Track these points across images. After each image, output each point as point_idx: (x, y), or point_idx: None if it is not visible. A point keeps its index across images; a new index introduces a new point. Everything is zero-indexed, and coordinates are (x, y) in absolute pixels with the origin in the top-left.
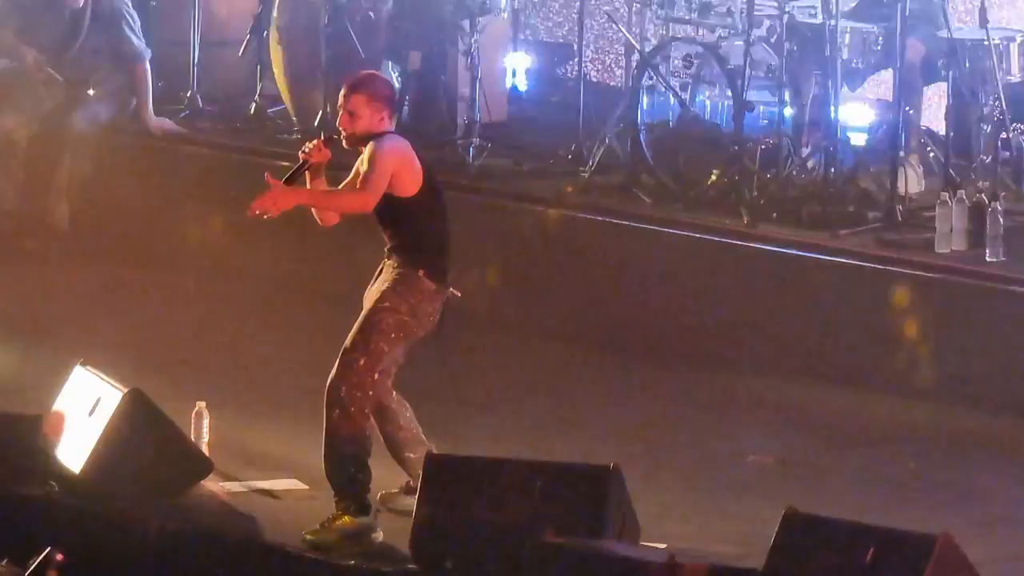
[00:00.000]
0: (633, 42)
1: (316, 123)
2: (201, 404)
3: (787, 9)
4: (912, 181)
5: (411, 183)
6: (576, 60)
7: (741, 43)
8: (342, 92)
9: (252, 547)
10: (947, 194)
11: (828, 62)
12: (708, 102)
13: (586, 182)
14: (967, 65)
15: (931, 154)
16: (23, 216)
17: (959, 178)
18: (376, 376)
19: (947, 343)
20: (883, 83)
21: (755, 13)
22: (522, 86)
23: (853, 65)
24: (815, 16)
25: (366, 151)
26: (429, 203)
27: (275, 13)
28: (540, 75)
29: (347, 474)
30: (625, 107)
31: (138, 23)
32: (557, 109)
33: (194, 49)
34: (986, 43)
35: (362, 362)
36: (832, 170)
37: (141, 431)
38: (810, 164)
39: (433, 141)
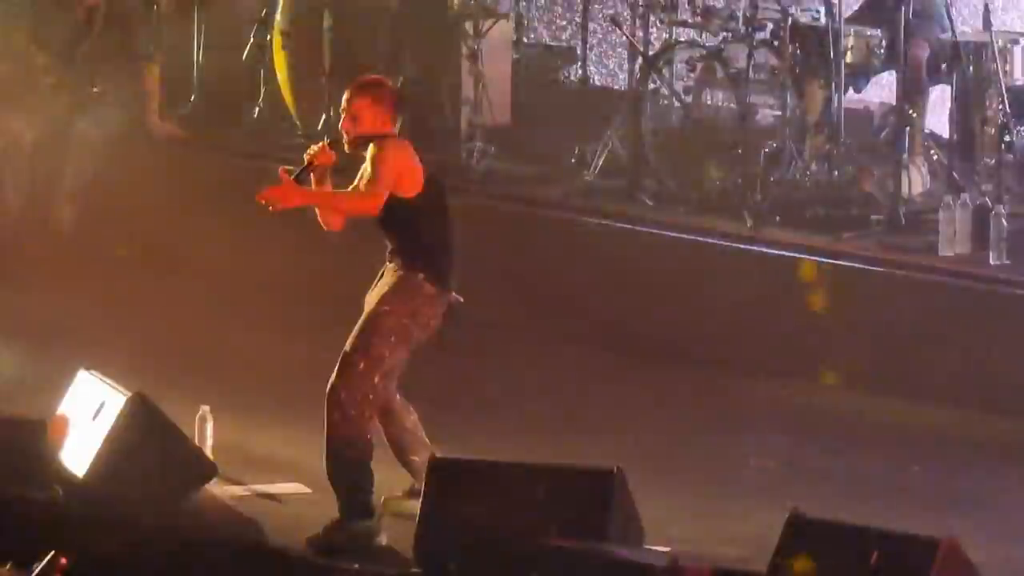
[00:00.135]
0: (636, 46)
1: (319, 127)
2: (205, 408)
3: (790, 12)
4: (916, 184)
5: (412, 185)
6: (579, 64)
7: (744, 46)
8: (346, 96)
9: (255, 551)
10: (951, 197)
11: (831, 65)
12: (711, 105)
13: (589, 186)
14: (971, 68)
15: (935, 157)
16: (27, 220)
17: (963, 181)
18: (376, 379)
19: (951, 346)
20: (887, 86)
21: (758, 16)
22: None
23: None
24: (818, 19)
25: (368, 153)
26: (430, 206)
27: (278, 17)
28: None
29: (349, 477)
30: (628, 111)
31: (152, 25)
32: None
33: (197, 52)
34: (990, 45)
35: (362, 365)
36: (836, 173)
37: (145, 435)
38: (813, 167)
39: (436, 145)
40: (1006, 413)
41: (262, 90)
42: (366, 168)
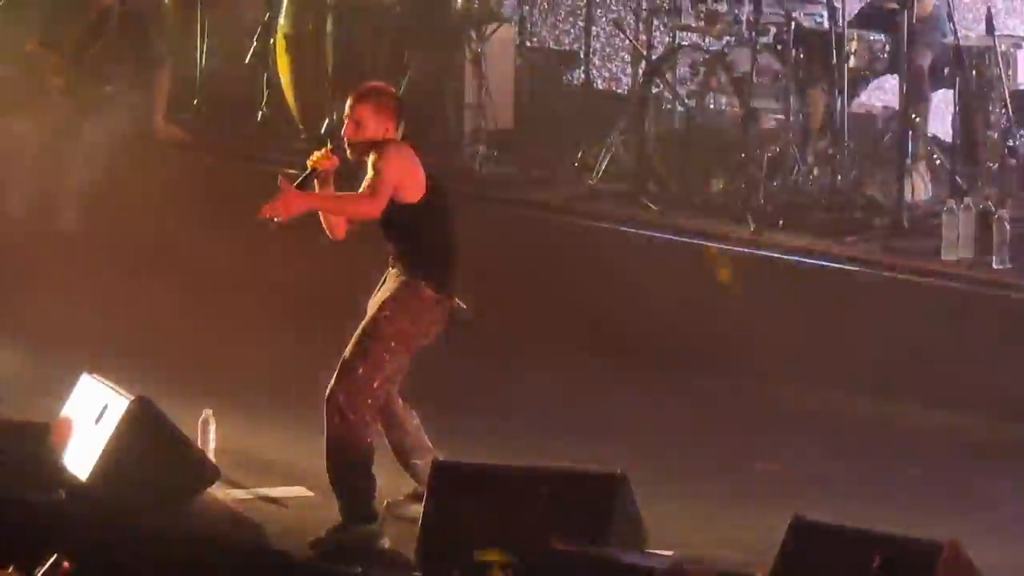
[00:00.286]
0: (640, 50)
1: (322, 131)
2: (208, 411)
3: (794, 16)
4: (919, 188)
5: (414, 190)
6: (582, 68)
7: (748, 51)
8: (349, 102)
9: (258, 555)
10: (953, 201)
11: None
12: (714, 110)
13: (592, 190)
14: (974, 72)
15: (937, 161)
16: (31, 222)
17: (966, 185)
18: (376, 384)
19: (953, 350)
20: (890, 90)
21: (761, 21)
22: None
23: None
24: (822, 23)
25: (371, 158)
26: (433, 211)
27: (281, 21)
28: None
29: (350, 481)
30: (631, 115)
31: (163, 29)
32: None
33: (201, 56)
34: (993, 50)
35: (361, 370)
36: (839, 177)
37: (147, 439)
38: (816, 171)
39: (439, 149)
40: (1009, 417)
41: (265, 94)
42: (368, 173)
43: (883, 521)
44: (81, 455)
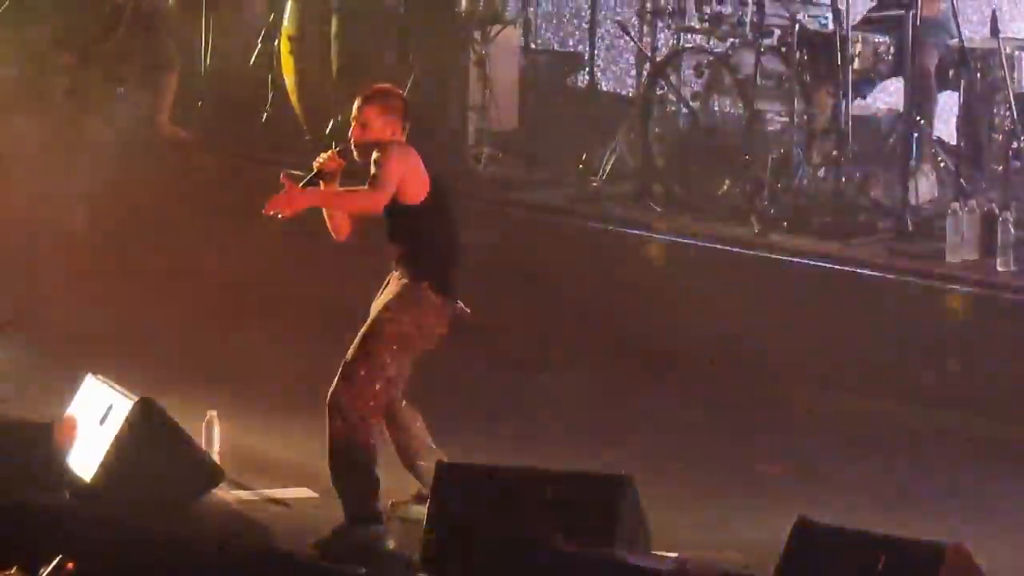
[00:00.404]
0: (644, 51)
1: (327, 132)
2: (212, 413)
3: (798, 18)
4: (923, 190)
5: (418, 190)
6: (587, 70)
7: (752, 52)
8: (356, 103)
9: (263, 555)
10: (958, 204)
11: (839, 71)
12: (719, 112)
13: (596, 191)
14: (978, 75)
15: (942, 164)
16: (35, 223)
17: (970, 188)
18: (378, 386)
19: (958, 352)
20: (894, 92)
21: (766, 23)
22: None
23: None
24: (826, 25)
25: (375, 155)
26: (436, 213)
27: (286, 22)
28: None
29: (353, 483)
30: (635, 117)
31: (173, 31)
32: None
33: (205, 58)
34: (998, 52)
35: (363, 372)
36: (843, 179)
37: (152, 440)
38: (820, 173)
39: (444, 150)
40: (1015, 418)
41: (270, 96)
42: (372, 170)
43: (887, 523)
44: (85, 456)
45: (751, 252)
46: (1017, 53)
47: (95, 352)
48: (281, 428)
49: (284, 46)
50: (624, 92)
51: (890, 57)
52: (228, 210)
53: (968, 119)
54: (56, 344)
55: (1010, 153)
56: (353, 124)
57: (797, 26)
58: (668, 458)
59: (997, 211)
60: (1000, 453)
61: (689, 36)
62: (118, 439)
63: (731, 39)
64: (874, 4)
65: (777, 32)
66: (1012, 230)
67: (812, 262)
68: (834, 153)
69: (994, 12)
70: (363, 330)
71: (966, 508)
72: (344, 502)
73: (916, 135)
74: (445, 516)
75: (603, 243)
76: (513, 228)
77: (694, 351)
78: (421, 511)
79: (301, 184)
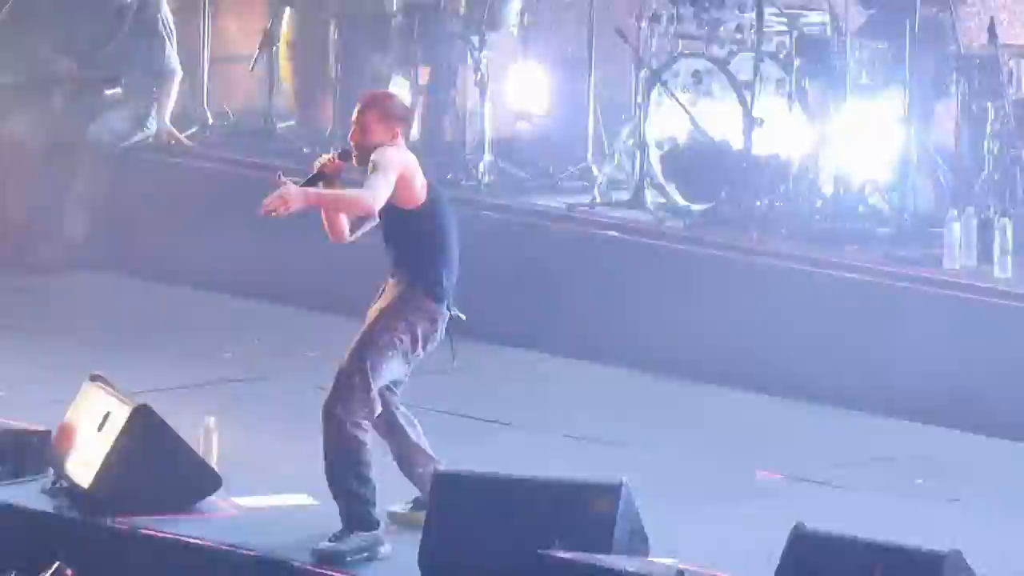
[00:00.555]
0: (642, 58)
1: (326, 137)
2: (210, 419)
3: (797, 25)
4: (921, 197)
5: (415, 195)
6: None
7: (751, 59)
8: (356, 108)
9: (261, 562)
10: (956, 210)
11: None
12: (717, 118)
13: (594, 198)
14: (977, 81)
15: (940, 170)
16: (35, 227)
17: (968, 194)
18: (372, 393)
19: (955, 359)
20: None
21: (764, 29)
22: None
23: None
24: (825, 32)
25: (372, 157)
26: (432, 220)
27: (284, 28)
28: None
29: (349, 489)
30: (634, 123)
31: (175, 38)
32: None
33: (204, 64)
34: (996, 59)
35: (357, 379)
36: (841, 186)
37: (150, 446)
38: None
39: (442, 156)
40: (1012, 426)
41: (269, 101)
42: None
43: (885, 531)
44: (83, 462)
45: (749, 258)
46: (1015, 59)
47: (93, 357)
48: (279, 435)
49: (283, 52)
50: (622, 98)
51: (889, 63)
52: (226, 214)
53: (966, 125)
54: (54, 348)
55: (1008, 159)
56: (353, 128)
57: (796, 32)
58: (666, 464)
59: (995, 217)
60: (998, 460)
61: (687, 42)
62: (116, 445)
63: (729, 45)
64: (872, 12)
65: (775, 38)
66: (1009, 236)
67: (810, 268)
68: (832, 159)
69: (992, 19)
70: (358, 338)
71: (964, 515)
72: (341, 509)
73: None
74: (443, 523)
75: (600, 249)
76: (510, 234)
77: (692, 356)
78: (419, 518)
79: (300, 185)
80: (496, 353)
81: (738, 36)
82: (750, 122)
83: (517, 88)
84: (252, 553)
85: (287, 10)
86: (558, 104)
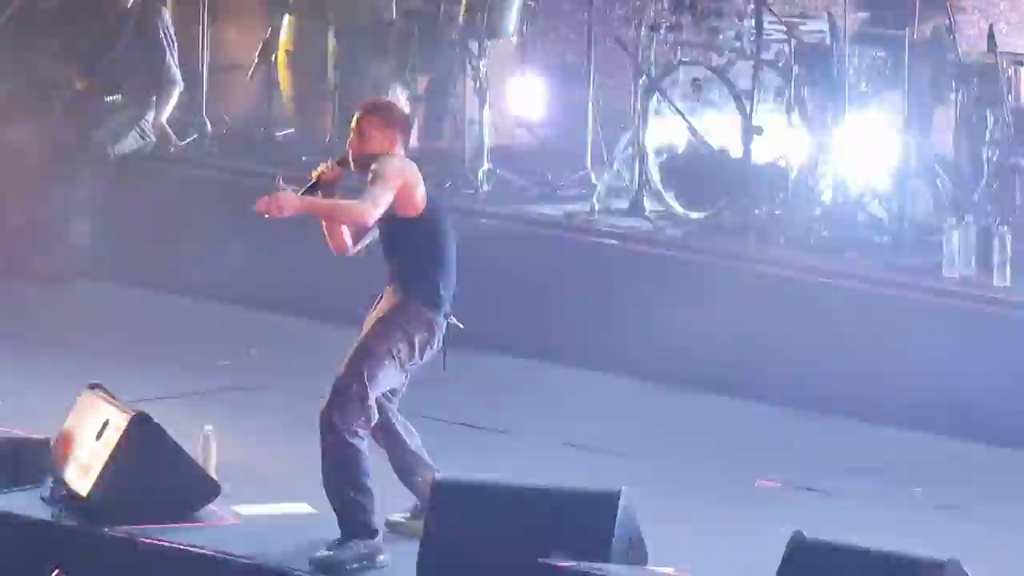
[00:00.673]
0: (641, 65)
1: (325, 146)
2: (208, 427)
3: (795, 33)
4: (920, 205)
5: (415, 204)
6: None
7: (749, 66)
8: (355, 116)
9: (259, 570)
10: (955, 218)
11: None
12: (716, 126)
13: (593, 206)
14: (975, 89)
15: (939, 178)
16: (34, 236)
17: (967, 202)
18: (370, 402)
19: (954, 368)
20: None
21: (763, 37)
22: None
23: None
24: (824, 39)
25: (372, 167)
26: (431, 229)
27: (283, 36)
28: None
29: (347, 498)
30: (633, 131)
31: (175, 47)
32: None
33: (203, 73)
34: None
35: (354, 388)
36: (840, 194)
37: (148, 454)
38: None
39: (440, 164)
40: (1011, 434)
41: (267, 109)
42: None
43: (884, 539)
44: (81, 471)
45: (748, 266)
46: (1014, 68)
47: (92, 365)
48: (278, 443)
49: (282, 60)
50: (621, 106)
51: (887, 71)
52: (225, 223)
53: (965, 133)
54: (53, 357)
55: (1007, 168)
56: (352, 137)
57: (795, 40)
58: (665, 472)
59: (994, 226)
60: (996, 469)
61: (686, 50)
62: (114, 453)
63: (728, 53)
64: (867, 17)
65: (774, 46)
66: (1008, 245)
67: (809, 276)
68: (831, 167)
69: (991, 27)
70: (355, 347)
71: (963, 524)
72: (339, 518)
73: (913, 149)
74: (441, 531)
75: (600, 257)
76: (509, 242)
77: (691, 364)
78: (417, 526)
79: (300, 193)
80: (494, 361)
81: (737, 44)
82: (749, 130)
83: (516, 96)
84: (251, 562)
85: (286, 18)
86: (557, 112)
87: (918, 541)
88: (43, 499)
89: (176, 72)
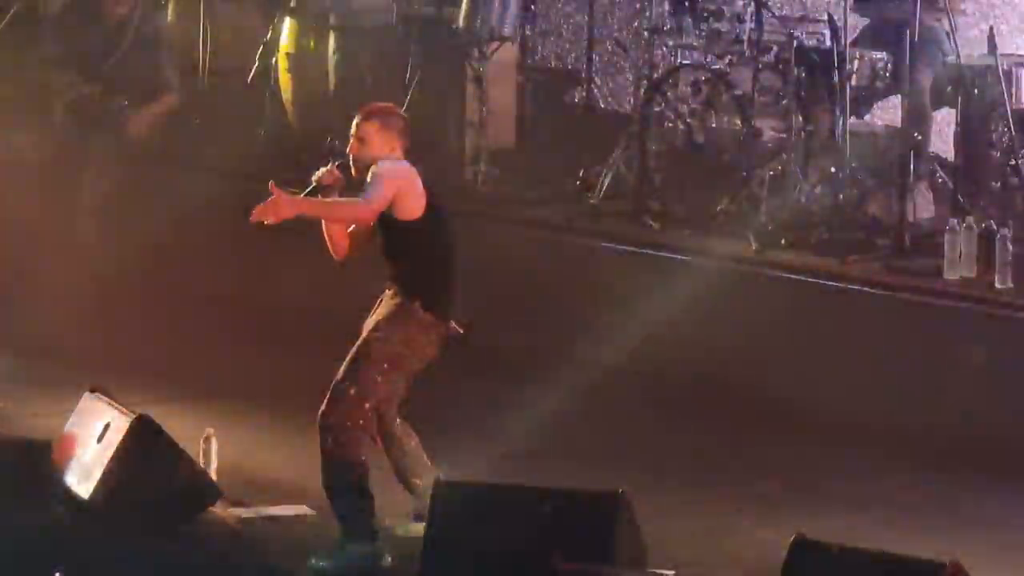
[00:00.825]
0: (641, 69)
1: (324, 149)
2: (209, 430)
3: (795, 35)
4: (921, 207)
5: (413, 207)
6: (584, 87)
7: (749, 69)
8: (355, 120)
9: (260, 574)
10: (956, 220)
11: (837, 88)
12: (716, 128)
13: (594, 208)
14: (976, 91)
15: (940, 180)
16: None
17: (968, 204)
18: (367, 406)
19: (955, 370)
20: (892, 109)
21: (763, 39)
22: None
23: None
24: (824, 42)
25: (371, 169)
26: (430, 232)
27: (283, 39)
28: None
29: (347, 501)
30: (633, 133)
31: (174, 53)
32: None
33: (203, 75)
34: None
35: (352, 391)
36: (841, 196)
37: (149, 457)
38: (818, 190)
39: (441, 167)
40: (1012, 436)
41: (267, 112)
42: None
43: (886, 541)
44: (83, 474)
45: (749, 269)
46: (1015, 70)
47: (94, 368)
48: (279, 446)
49: (282, 63)
50: (622, 109)
51: (887, 74)
52: (224, 227)
53: (966, 136)
54: (54, 360)
55: (1008, 170)
56: (352, 140)
57: (795, 43)
58: (665, 474)
59: (995, 228)
60: (996, 470)
61: (686, 53)
62: (115, 456)
63: (728, 56)
64: (867, 22)
65: (775, 49)
66: (1010, 247)
67: (809, 279)
68: (832, 170)
69: (991, 28)
70: (353, 350)
71: (964, 526)
72: (340, 520)
73: (914, 152)
74: (442, 533)
75: (600, 260)
76: (510, 245)
77: (692, 367)
78: (418, 529)
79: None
80: (495, 364)
81: (737, 46)
82: (749, 132)
83: (516, 98)
84: (251, 564)
85: (287, 20)
86: (557, 115)
87: (920, 543)
88: (44, 502)
89: (172, 79)
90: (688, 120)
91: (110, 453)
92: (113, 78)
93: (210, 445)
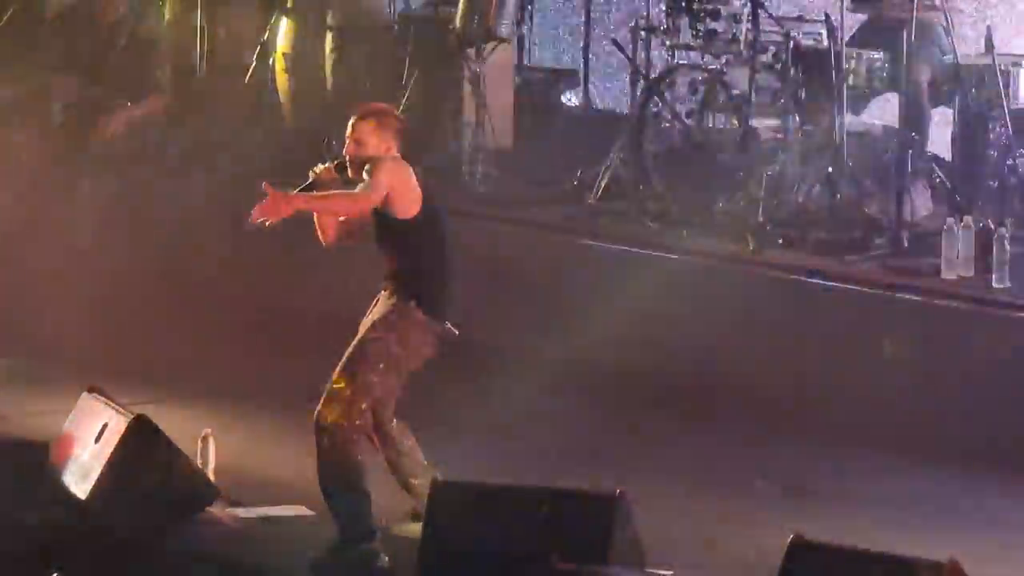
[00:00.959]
0: (638, 69)
1: (321, 150)
2: (207, 430)
3: (792, 35)
4: (919, 207)
5: (409, 205)
6: (581, 87)
7: (747, 69)
8: (351, 120)
9: (258, 574)
10: (953, 220)
11: (833, 87)
12: (713, 128)
13: (591, 208)
14: (973, 90)
15: (937, 180)
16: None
17: (965, 204)
18: (364, 406)
19: (953, 369)
20: (889, 109)
21: (760, 39)
22: None
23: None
24: (820, 42)
25: (367, 168)
26: (426, 231)
27: (280, 40)
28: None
29: (344, 501)
30: (630, 134)
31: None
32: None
33: (200, 75)
34: (992, 68)
35: (348, 392)
36: (838, 196)
37: (147, 457)
38: (815, 189)
39: (438, 168)
40: (1011, 436)
41: (264, 113)
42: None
43: (884, 541)
44: (80, 474)
45: (746, 269)
46: (1012, 69)
47: (91, 368)
48: (276, 446)
49: (279, 63)
50: (619, 109)
51: (884, 73)
52: (220, 228)
53: (963, 135)
54: (52, 360)
55: (1005, 169)
56: (348, 141)
57: (791, 43)
58: (664, 474)
59: (993, 227)
60: (998, 470)
61: (683, 53)
62: (113, 457)
63: (725, 56)
64: (864, 21)
65: (772, 49)
66: (1007, 246)
67: (807, 279)
68: (829, 170)
69: (989, 28)
70: (349, 350)
71: (963, 526)
72: (337, 520)
73: (911, 151)
74: (440, 534)
75: (598, 260)
76: (508, 245)
77: (690, 367)
78: (416, 529)
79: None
80: (492, 363)
81: (734, 46)
82: (747, 132)
83: (513, 98)
84: (249, 564)
85: (284, 20)
86: (554, 114)
87: (919, 542)
88: (42, 502)
89: (163, 82)
90: (685, 120)
91: (108, 453)
92: (112, 80)
93: (208, 445)
